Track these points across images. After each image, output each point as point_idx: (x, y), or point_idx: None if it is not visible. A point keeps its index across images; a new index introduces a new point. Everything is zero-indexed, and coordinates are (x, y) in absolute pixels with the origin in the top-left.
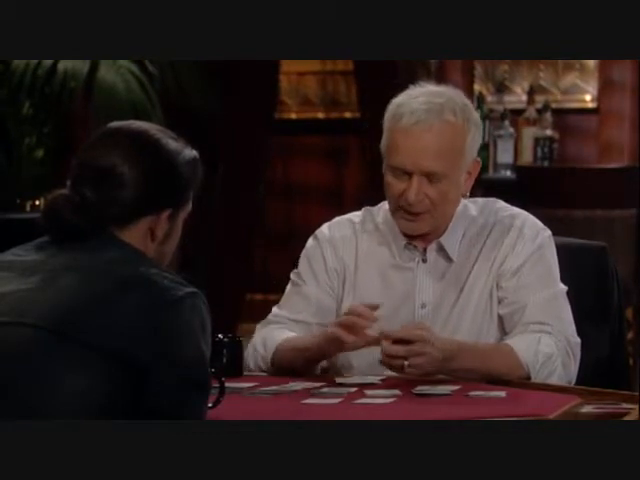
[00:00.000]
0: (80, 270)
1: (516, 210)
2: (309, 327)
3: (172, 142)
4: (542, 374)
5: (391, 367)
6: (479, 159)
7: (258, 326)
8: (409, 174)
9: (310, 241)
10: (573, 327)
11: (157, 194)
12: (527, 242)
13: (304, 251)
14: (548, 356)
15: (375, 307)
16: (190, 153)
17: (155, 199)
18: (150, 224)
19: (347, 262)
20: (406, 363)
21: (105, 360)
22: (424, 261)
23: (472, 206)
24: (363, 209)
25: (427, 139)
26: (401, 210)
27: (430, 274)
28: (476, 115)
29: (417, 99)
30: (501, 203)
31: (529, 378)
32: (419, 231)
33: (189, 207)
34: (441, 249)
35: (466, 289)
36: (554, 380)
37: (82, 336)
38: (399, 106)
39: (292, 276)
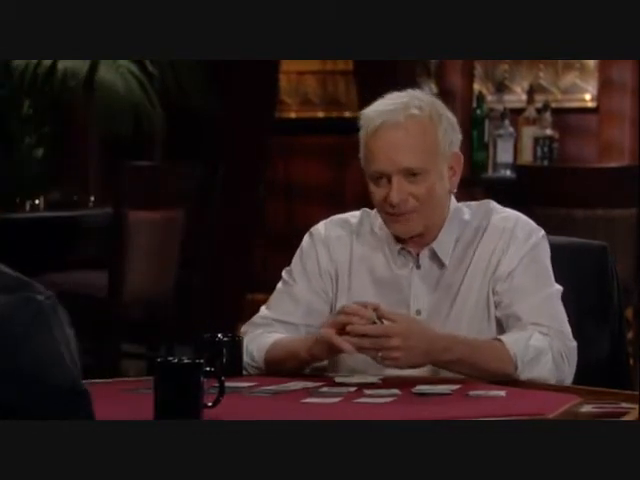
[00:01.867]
0: None
1: (509, 211)
2: (296, 328)
3: None
4: (531, 368)
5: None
6: (459, 152)
7: (243, 328)
8: (388, 177)
9: (306, 238)
10: (569, 329)
11: None
12: (519, 244)
13: (299, 250)
14: (539, 351)
15: (374, 307)
16: None
17: None
18: None
19: (341, 264)
20: (380, 354)
21: None
22: (418, 267)
23: (466, 210)
24: (361, 210)
25: (396, 136)
26: (389, 215)
27: (424, 281)
28: (447, 111)
29: (382, 103)
30: (494, 205)
31: (517, 370)
32: (411, 232)
33: None
34: (434, 255)
35: (461, 295)
36: (544, 375)
37: None
38: (367, 114)
39: (284, 274)
